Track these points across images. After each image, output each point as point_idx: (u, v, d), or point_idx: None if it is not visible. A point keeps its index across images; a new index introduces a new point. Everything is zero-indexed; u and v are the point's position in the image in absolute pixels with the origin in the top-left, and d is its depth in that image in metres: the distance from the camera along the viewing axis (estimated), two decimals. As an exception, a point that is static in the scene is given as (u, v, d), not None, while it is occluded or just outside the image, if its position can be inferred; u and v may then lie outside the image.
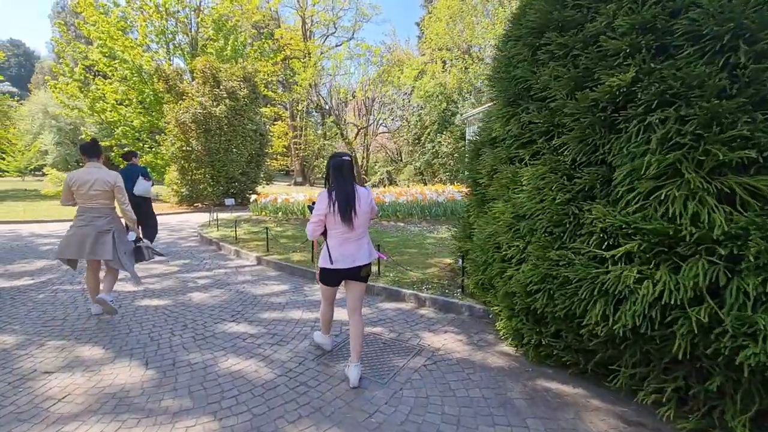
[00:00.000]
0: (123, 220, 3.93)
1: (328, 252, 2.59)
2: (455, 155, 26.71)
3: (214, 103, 15.86)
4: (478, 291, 3.87)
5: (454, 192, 9.40)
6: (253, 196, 11.31)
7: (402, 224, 8.59)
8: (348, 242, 2.59)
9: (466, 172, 4.53)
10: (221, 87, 16.18)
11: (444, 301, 4.10)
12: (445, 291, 4.36)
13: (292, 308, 4.10)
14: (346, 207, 2.49)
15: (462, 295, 4.22)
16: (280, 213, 10.27)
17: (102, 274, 3.83)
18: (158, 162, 19.51)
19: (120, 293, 4.52)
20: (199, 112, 15.23)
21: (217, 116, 15.56)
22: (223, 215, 11.90)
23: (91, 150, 3.65)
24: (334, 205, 2.50)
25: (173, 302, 4.25)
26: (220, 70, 16.55)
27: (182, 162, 15.57)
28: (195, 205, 16.46)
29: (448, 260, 5.67)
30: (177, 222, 10.32)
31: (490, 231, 3.40)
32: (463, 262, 4.25)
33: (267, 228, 6.84)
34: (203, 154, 15.55)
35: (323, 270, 2.67)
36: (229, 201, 11.73)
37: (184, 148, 15.44)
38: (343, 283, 2.75)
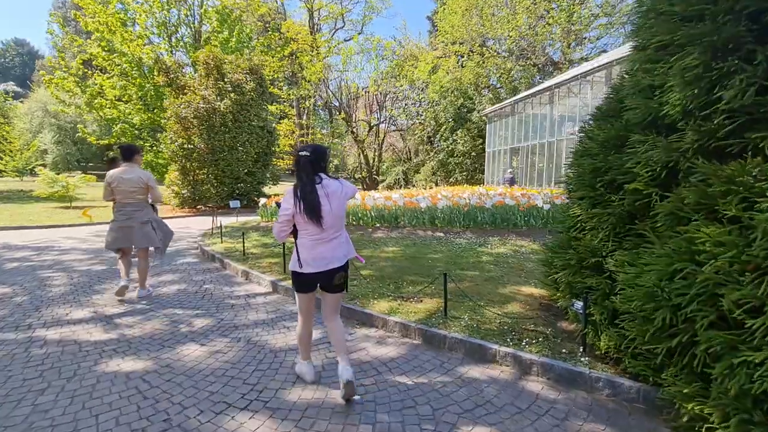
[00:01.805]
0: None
1: (298, 254, 2.40)
2: (473, 154, 25.25)
3: (218, 98, 14.55)
4: (629, 359, 2.46)
5: (518, 196, 7.91)
6: (263, 200, 9.93)
7: (441, 234, 7.18)
8: (320, 243, 2.39)
9: (580, 170, 3.11)
10: (226, 80, 14.86)
11: (563, 369, 2.69)
12: (554, 347, 2.95)
13: (333, 377, 2.71)
14: (310, 207, 2.28)
15: (588, 357, 2.80)
16: (293, 219, 8.86)
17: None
18: (159, 162, 18.24)
19: (81, 345, 3.15)
20: (202, 107, 13.92)
21: (222, 111, 14.24)
22: (228, 220, 10.55)
23: (126, 153, 4.27)
24: (300, 203, 2.30)
25: (154, 365, 2.87)
26: (225, 62, 15.23)
27: (183, 161, 14.26)
28: (197, 207, 15.15)
29: (530, 289, 4.25)
30: (176, 228, 8.87)
31: (687, 271, 1.99)
32: (586, 308, 2.83)
33: (283, 242, 5.44)
34: (206, 152, 14.23)
35: (293, 274, 2.47)
36: (235, 203, 10.42)
37: (185, 146, 14.14)
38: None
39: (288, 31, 26.91)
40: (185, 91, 14.64)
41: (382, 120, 29.82)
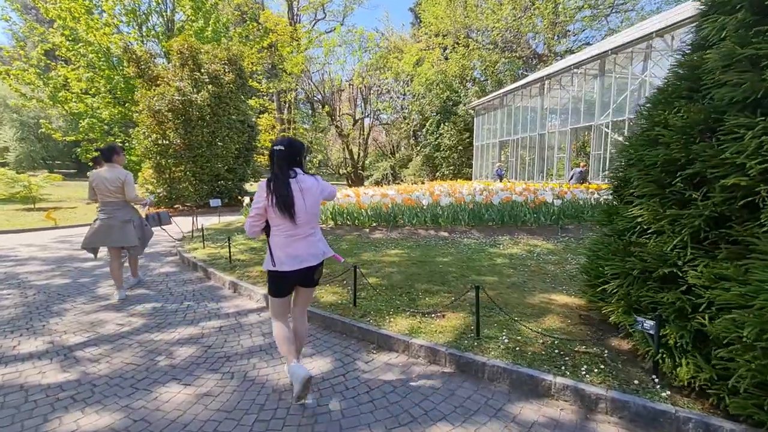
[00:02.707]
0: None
1: (271, 252, 2.30)
2: (459, 148, 24.88)
3: (195, 89, 13.60)
4: (730, 395, 1.98)
5: (523, 191, 7.44)
6: (247, 199, 9.18)
7: (445, 234, 6.66)
8: (295, 240, 2.29)
9: (644, 163, 2.62)
10: (202, 70, 13.90)
11: (640, 406, 2.19)
12: (618, 375, 2.46)
13: (358, 426, 2.14)
14: (283, 201, 2.18)
15: (666, 389, 2.32)
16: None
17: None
18: (132, 159, 17.08)
19: (28, 393, 2.48)
20: (177, 99, 12.96)
21: (199, 104, 13.31)
22: (210, 220, 9.77)
23: (106, 154, 4.31)
24: (272, 197, 2.19)
25: (125, 419, 2.23)
26: (201, 52, 14.25)
27: (158, 158, 13.29)
28: (175, 207, 14.22)
29: (562, 298, 3.77)
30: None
31: None
32: (660, 329, 2.35)
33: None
34: (183, 148, 13.30)
35: (269, 275, 2.36)
36: (215, 202, 9.69)
37: (159, 142, 13.17)
38: None
39: (267, 22, 25.83)
40: (158, 82, 13.62)
41: (367, 114, 29.10)
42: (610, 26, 26.25)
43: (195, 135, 13.43)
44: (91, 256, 4.59)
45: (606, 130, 12.51)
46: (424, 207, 7.01)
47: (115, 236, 4.25)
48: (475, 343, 2.88)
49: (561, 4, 25.02)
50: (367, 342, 3.19)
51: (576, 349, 2.77)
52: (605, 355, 2.69)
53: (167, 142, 13.18)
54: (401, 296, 3.91)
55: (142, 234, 4.64)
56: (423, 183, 19.04)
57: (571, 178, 11.75)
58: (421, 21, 31.41)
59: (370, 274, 4.64)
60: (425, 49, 28.53)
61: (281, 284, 2.35)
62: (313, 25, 31.67)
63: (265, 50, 25.97)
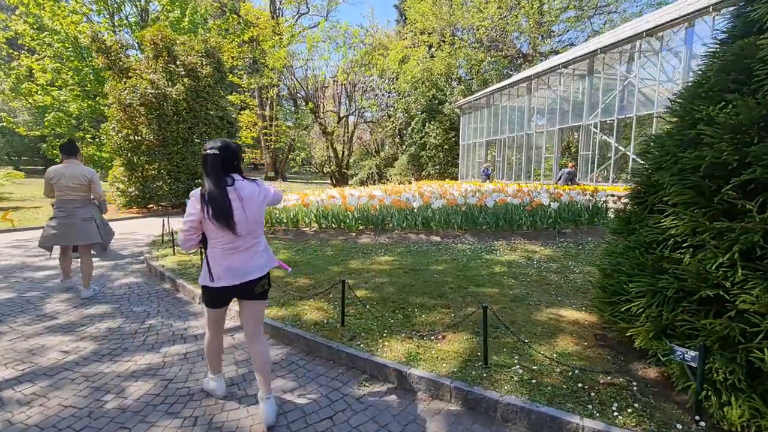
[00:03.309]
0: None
1: (208, 266, 2.11)
2: (445, 147, 24.62)
3: (169, 82, 12.85)
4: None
5: (519, 193, 7.09)
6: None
7: (437, 238, 6.27)
8: (234, 253, 2.10)
9: (679, 166, 2.27)
10: (178, 63, 13.16)
11: (688, 456, 1.84)
12: (653, 414, 2.11)
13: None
14: (220, 212, 1.97)
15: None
16: (261, 222, 7.57)
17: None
18: (102, 155, 16.13)
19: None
20: (150, 93, 12.21)
21: (174, 98, 12.58)
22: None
23: (68, 150, 4.16)
24: (207, 208, 1.97)
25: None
26: (176, 43, 13.49)
27: (129, 155, 12.50)
28: (149, 207, 13.45)
29: (572, 313, 3.42)
30: (119, 235, 7.37)
31: None
32: (704, 360, 2.00)
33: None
34: (156, 144, 12.54)
35: (204, 289, 2.17)
36: None
37: (131, 138, 12.39)
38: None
39: (248, 15, 24.99)
40: (130, 74, 12.81)
41: (351, 111, 28.55)
42: (593, 27, 26.51)
43: (170, 131, 12.70)
44: (47, 254, 4.59)
45: (594, 130, 12.40)
46: (415, 210, 6.60)
47: (76, 235, 4.12)
48: (484, 374, 2.49)
49: (547, 3, 25.05)
50: (357, 371, 2.76)
51: (600, 380, 2.41)
52: (634, 387, 2.33)
53: (139, 138, 12.40)
54: (395, 313, 3.50)
55: (105, 232, 4.43)
56: (410, 183, 18.69)
57: (559, 178, 11.57)
58: (406, 18, 31.04)
59: (358, 285, 4.21)
60: (411, 47, 28.17)
61: (217, 297, 2.18)
62: (297, 20, 30.90)
63: (246, 44, 25.15)
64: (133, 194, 12.70)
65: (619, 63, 12.47)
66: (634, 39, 10.80)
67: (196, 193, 2.05)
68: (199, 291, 4.11)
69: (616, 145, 11.57)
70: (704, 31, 9.30)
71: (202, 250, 2.18)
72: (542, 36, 26.86)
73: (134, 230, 9.20)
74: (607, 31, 19.70)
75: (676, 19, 9.51)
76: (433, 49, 28.12)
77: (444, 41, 26.93)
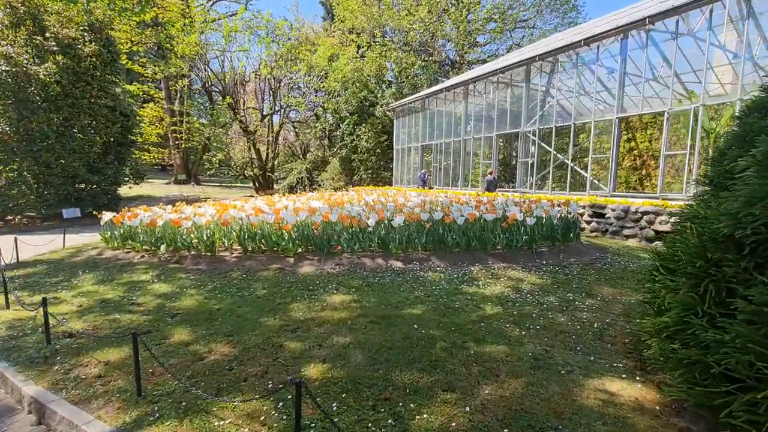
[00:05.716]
0: None
1: None
2: (377, 151, 23.72)
3: (36, 59, 9.97)
4: None
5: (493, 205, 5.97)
6: (107, 216, 6.40)
7: (399, 264, 5.06)
8: None
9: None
10: (48, 35, 10.28)
11: None
12: None
13: None
14: None
15: None
16: (163, 248, 5.58)
17: None
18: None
19: None
20: (4, 71, 9.28)
21: (43, 80, 9.75)
22: (53, 241, 6.76)
23: None
24: None
25: None
26: (46, 10, 10.57)
27: (-29, 152, 9.37)
28: (6, 219, 10.31)
29: (621, 386, 2.43)
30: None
31: None
32: None
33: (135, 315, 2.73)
34: (15, 139, 9.59)
35: None
36: (71, 212, 6.90)
37: (-26, 129, 9.29)
38: None
39: (151, -8, 21.48)
40: (-26, 45, 9.66)
41: (276, 110, 26.29)
42: (513, 41, 27.77)
43: (37, 121, 9.81)
44: None
45: (533, 137, 12.32)
46: (369, 228, 5.33)
47: None
48: None
49: (473, 13, 25.56)
50: None
51: None
52: None
53: (-12, 129, 9.37)
54: (377, 412, 2.21)
55: None
56: (346, 189, 17.35)
57: (418, 182, 12.15)
58: (333, 16, 29.68)
59: (309, 353, 2.84)
60: (339, 45, 26.84)
61: None
62: (212, 5, 27.73)
63: (150, 27, 21.67)
64: (-21, 204, 9.58)
65: (555, 71, 12.57)
66: (572, 47, 10.80)
67: None
68: (32, 390, 2.42)
69: (555, 152, 11.54)
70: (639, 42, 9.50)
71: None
72: (469, 44, 27.42)
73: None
74: (539, 40, 20.46)
75: (615, 28, 9.59)
76: (362, 49, 27.14)
77: (375, 41, 26.11)
